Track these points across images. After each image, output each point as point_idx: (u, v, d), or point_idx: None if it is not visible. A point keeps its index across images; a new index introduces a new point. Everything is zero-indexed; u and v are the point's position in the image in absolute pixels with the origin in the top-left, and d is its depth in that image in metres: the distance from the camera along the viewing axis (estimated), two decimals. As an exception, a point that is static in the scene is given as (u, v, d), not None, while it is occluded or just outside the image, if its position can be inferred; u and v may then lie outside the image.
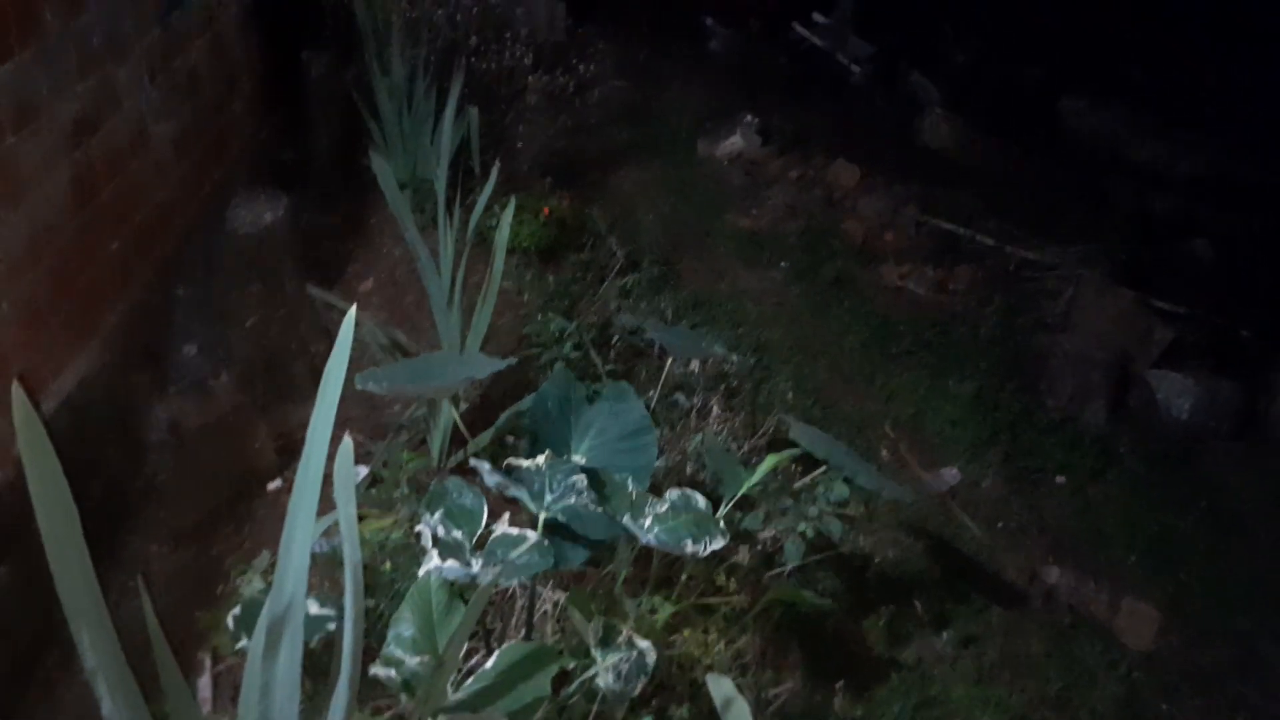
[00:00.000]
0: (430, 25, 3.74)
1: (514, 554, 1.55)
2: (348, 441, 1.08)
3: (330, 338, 1.11)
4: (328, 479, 1.09)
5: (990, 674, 2.70)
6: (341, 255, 3.47)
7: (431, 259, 2.55)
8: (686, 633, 2.11)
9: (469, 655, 1.83)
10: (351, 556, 1.09)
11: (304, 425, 1.12)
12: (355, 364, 2.40)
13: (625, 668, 1.58)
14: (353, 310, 1.11)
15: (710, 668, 1.97)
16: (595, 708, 1.69)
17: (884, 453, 3.40)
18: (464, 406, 2.69)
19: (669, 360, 2.62)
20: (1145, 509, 3.54)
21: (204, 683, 1.98)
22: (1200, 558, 3.40)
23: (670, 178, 4.50)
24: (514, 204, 2.52)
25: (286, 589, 1.13)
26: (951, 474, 3.38)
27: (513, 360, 2.05)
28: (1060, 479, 3.55)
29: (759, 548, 2.54)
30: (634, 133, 4.70)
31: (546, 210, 3.53)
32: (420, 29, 3.62)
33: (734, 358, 3.17)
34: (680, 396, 3.03)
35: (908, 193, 4.78)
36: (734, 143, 4.80)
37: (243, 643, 1.61)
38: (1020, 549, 3.20)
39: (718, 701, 1.71)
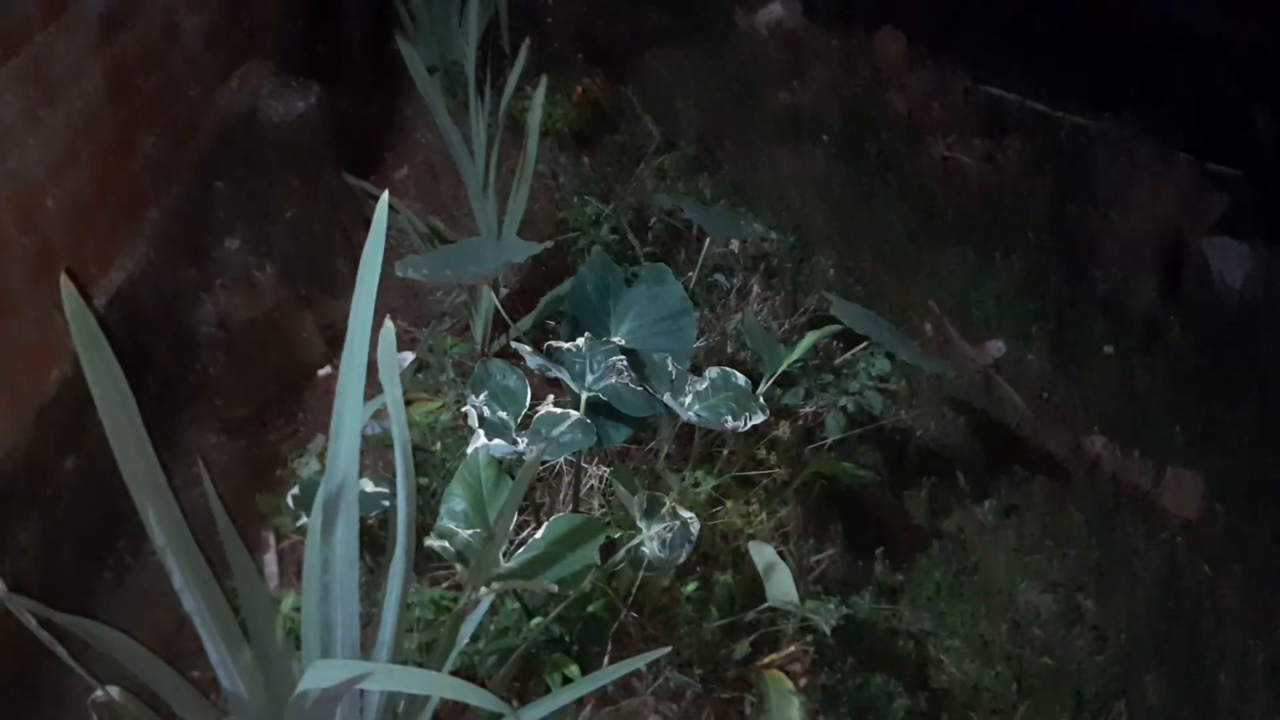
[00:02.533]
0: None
1: (557, 431, 1.58)
2: (389, 326, 1.10)
3: (370, 227, 1.12)
4: (374, 365, 1.12)
5: (1031, 543, 2.74)
6: (376, 144, 3.45)
7: (465, 144, 2.53)
8: (729, 505, 2.16)
9: (520, 528, 1.90)
10: (400, 435, 1.13)
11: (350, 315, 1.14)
12: (395, 252, 2.43)
13: (670, 536, 1.63)
14: (385, 196, 1.12)
15: (753, 537, 2.02)
16: (641, 574, 1.75)
17: (927, 328, 3.38)
18: (504, 292, 2.71)
19: (707, 241, 2.59)
20: (1193, 384, 3.49)
21: (269, 559, 2.09)
22: (1247, 433, 3.37)
23: (707, 53, 4.35)
24: (545, 84, 2.47)
25: (339, 468, 1.17)
26: (996, 347, 3.36)
27: (549, 244, 2.05)
28: (1109, 349, 3.51)
29: (800, 423, 2.56)
30: (668, 8, 4.54)
31: (580, 90, 3.46)
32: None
33: (774, 235, 3.13)
34: (720, 277, 3.02)
35: (955, 60, 4.59)
36: (773, 10, 4.61)
37: (302, 521, 1.68)
38: (1064, 422, 3.19)
39: (760, 567, 1.77)
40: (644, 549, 1.63)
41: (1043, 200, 4.06)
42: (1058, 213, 4.02)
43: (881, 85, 4.50)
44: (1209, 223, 4.03)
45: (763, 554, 1.82)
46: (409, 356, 2.44)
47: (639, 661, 1.27)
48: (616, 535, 1.79)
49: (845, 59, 4.56)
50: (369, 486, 1.68)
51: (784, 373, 2.14)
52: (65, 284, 0.98)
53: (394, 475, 1.19)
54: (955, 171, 4.17)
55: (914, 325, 3.36)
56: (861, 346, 2.51)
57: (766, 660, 1.92)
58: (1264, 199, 4.19)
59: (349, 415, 1.16)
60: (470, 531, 1.49)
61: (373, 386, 1.13)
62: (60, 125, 1.96)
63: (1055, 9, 5.03)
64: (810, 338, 2.16)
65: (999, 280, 3.62)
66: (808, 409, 2.57)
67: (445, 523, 1.51)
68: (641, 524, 1.66)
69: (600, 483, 2.14)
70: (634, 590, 1.82)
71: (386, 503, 1.60)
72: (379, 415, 1.31)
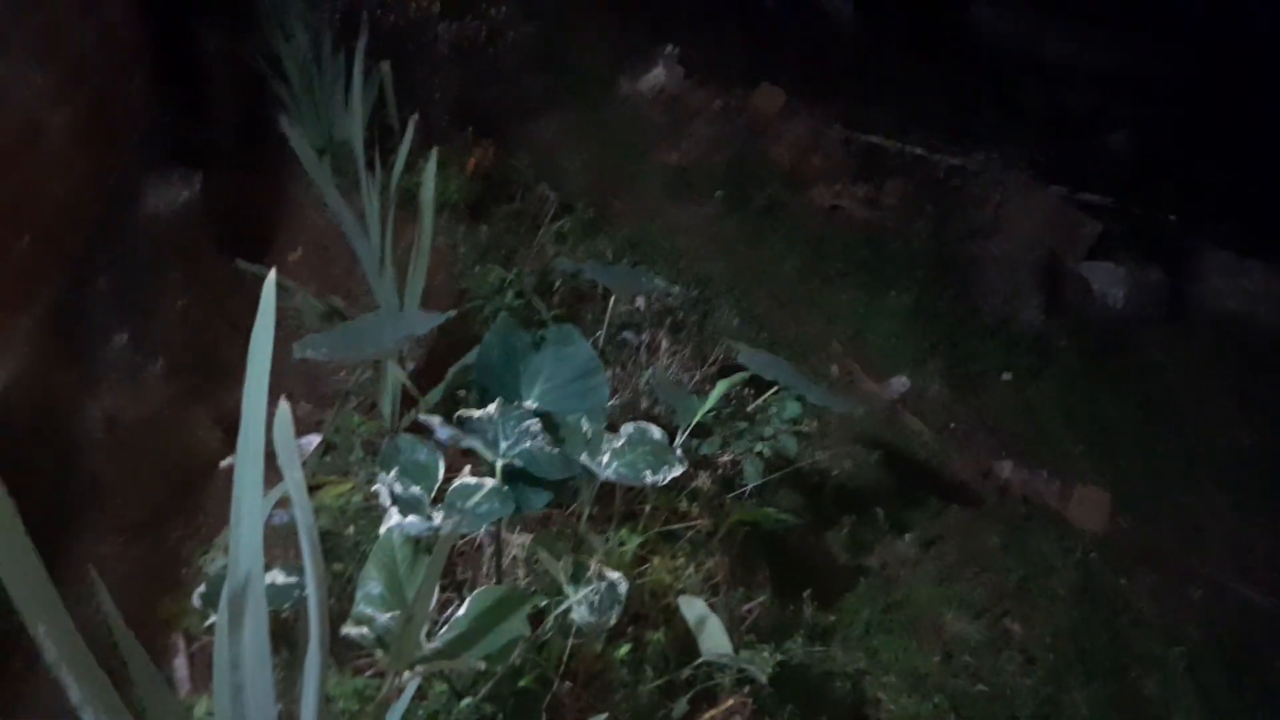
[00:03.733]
0: (328, -17, 3.61)
1: (473, 502, 1.54)
2: (284, 407, 1.06)
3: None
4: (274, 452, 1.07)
5: (952, 572, 2.79)
6: (265, 228, 3.38)
7: (358, 222, 2.49)
8: (656, 561, 2.14)
9: (444, 606, 1.84)
10: (304, 520, 1.08)
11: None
12: (293, 335, 2.36)
13: (598, 599, 1.60)
14: (272, 273, 1.09)
15: (682, 591, 2.00)
16: (572, 642, 1.71)
17: (833, 369, 3.45)
18: (410, 367, 2.66)
19: (613, 300, 2.60)
20: (1086, 400, 3.65)
21: (180, 663, 1.96)
22: (1142, 442, 3.53)
23: (594, 119, 4.44)
24: (435, 157, 2.47)
25: (243, 561, 1.11)
26: (901, 383, 3.45)
27: (452, 314, 2.02)
28: (1006, 376, 3.64)
29: (718, 472, 2.57)
30: (552, 76, 4.62)
31: (472, 162, 3.47)
32: (320, -12, 3.49)
33: (676, 289, 3.17)
34: (628, 334, 3.03)
35: (831, 112, 4.78)
36: (656, 76, 4.74)
37: (211, 620, 1.59)
38: (972, 449, 3.29)
39: (691, 621, 1.74)
40: (573, 615, 1.59)
41: (926, 237, 4.23)
42: (941, 248, 4.19)
43: (764, 139, 4.65)
44: (1083, 247, 4.25)
45: (693, 608, 1.80)
46: (314, 439, 2.36)
47: (576, 732, 1.23)
48: (543, 604, 1.75)
49: (726, 117, 4.71)
50: (280, 578, 1.60)
51: (699, 423, 2.14)
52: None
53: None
54: (841, 216, 4.32)
55: (819, 366, 3.43)
56: (772, 392, 2.54)
57: (706, 717, 1.89)
58: (1134, 223, 4.45)
59: (248, 504, 1.10)
60: (389, 615, 1.43)
61: (275, 473, 1.08)
62: (-80, 230, 1.86)
63: (912, 50, 5.30)
64: (721, 387, 2.18)
65: (893, 316, 3.74)
66: (725, 457, 2.58)
67: (362, 608, 1.45)
68: (568, 589, 1.62)
69: (523, 551, 2.09)
70: (565, 659, 1.77)
71: (299, 593, 1.53)
72: (284, 503, 1.26)
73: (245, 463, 1.10)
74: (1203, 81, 5.28)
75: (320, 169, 2.51)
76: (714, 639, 1.76)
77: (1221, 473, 3.46)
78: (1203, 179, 4.71)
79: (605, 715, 1.32)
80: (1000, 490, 3.16)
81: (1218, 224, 4.47)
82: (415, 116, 2.66)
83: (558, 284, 3.12)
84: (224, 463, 2.45)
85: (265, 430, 1.10)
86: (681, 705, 1.88)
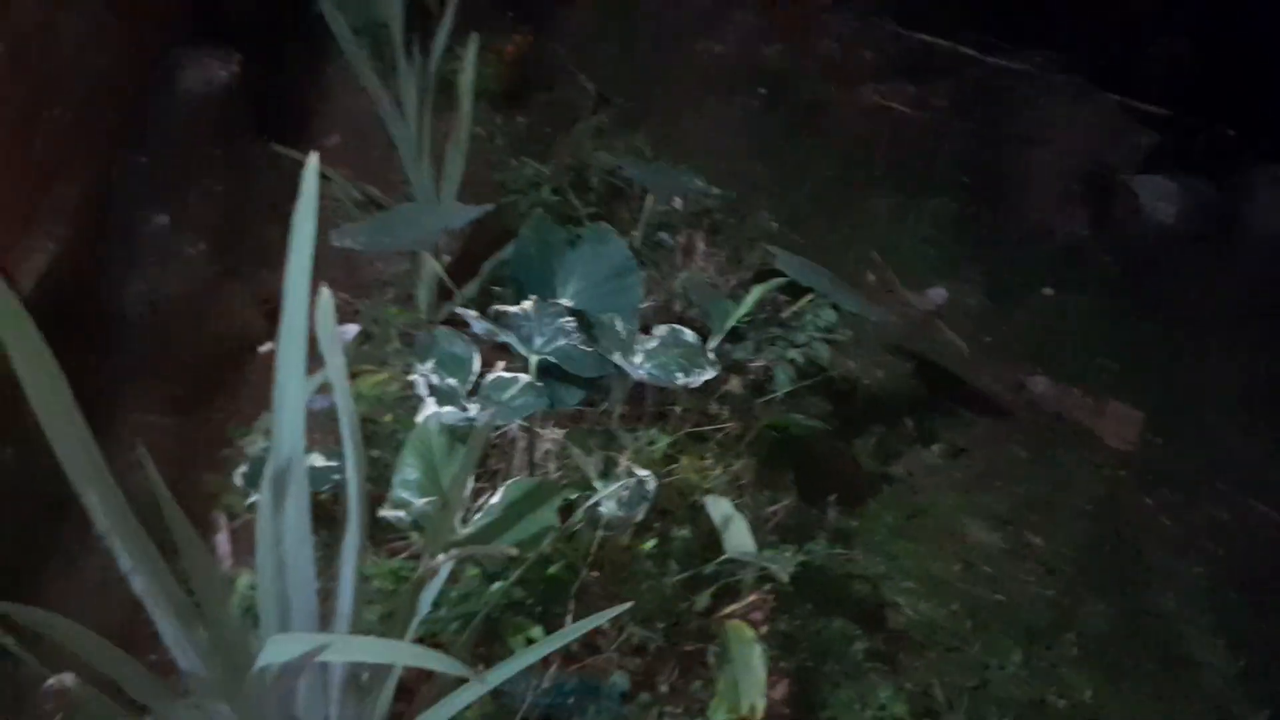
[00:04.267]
0: None
1: (508, 395, 1.57)
2: (326, 294, 1.07)
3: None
4: (315, 337, 1.09)
5: (977, 482, 2.81)
6: (302, 111, 3.35)
7: (396, 107, 2.46)
8: (684, 461, 2.17)
9: (476, 495, 1.88)
10: (344, 404, 1.10)
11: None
12: (329, 222, 2.37)
13: (627, 495, 1.63)
14: (314, 157, 1.08)
15: (709, 491, 2.03)
16: (600, 534, 1.75)
17: (870, 277, 3.41)
18: (446, 259, 2.66)
19: (649, 199, 2.57)
20: (1126, 317, 3.59)
21: (222, 539, 2.04)
22: (1178, 362, 3.48)
23: (635, 6, 4.29)
24: (476, 42, 2.41)
25: (285, 442, 1.14)
26: (939, 294, 3.41)
27: (490, 207, 2.01)
28: (1047, 290, 3.58)
29: (750, 377, 2.57)
30: (596, -39, 4.47)
31: (511, 49, 3.39)
32: None
33: (715, 191, 3.12)
34: (664, 235, 3.00)
35: (883, 4, 4.59)
36: (701, -36, 4.56)
37: (253, 499, 1.65)
38: (1005, 362, 3.26)
39: (717, 520, 1.78)
40: (601, 509, 1.63)
41: (973, 142, 4.10)
42: (989, 154, 4.07)
43: (811, 32, 4.48)
44: (1136, 160, 4.12)
45: (719, 507, 1.83)
46: (353, 329, 2.39)
47: (601, 618, 1.27)
48: (574, 497, 1.79)
49: (772, 5, 4.53)
50: (319, 461, 1.65)
51: (732, 328, 2.14)
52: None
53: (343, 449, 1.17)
54: (886, 116, 4.19)
55: (856, 274, 3.39)
56: (807, 299, 2.52)
57: (727, 611, 1.94)
58: (1190, 136, 4.28)
59: (291, 387, 1.13)
60: (425, 500, 1.47)
61: (315, 360, 1.10)
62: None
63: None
64: (756, 292, 2.17)
65: (934, 223, 3.67)
66: (757, 363, 2.58)
67: (399, 493, 1.49)
68: (598, 484, 1.66)
69: (555, 446, 2.12)
70: (593, 550, 1.82)
71: (338, 476, 1.57)
72: (324, 389, 1.28)
73: (288, 347, 1.12)
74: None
75: (358, 51, 2.47)
76: (738, 538, 1.80)
77: (1258, 397, 3.41)
78: (1266, 93, 4.50)
79: (630, 603, 1.37)
80: (1031, 405, 3.14)
81: (1274, 139, 4.29)
82: None
83: (594, 180, 3.08)
84: (264, 348, 2.49)
85: (307, 317, 1.11)
86: (704, 598, 1.94)
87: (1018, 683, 2.30)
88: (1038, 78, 4.43)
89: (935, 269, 3.51)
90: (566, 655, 1.77)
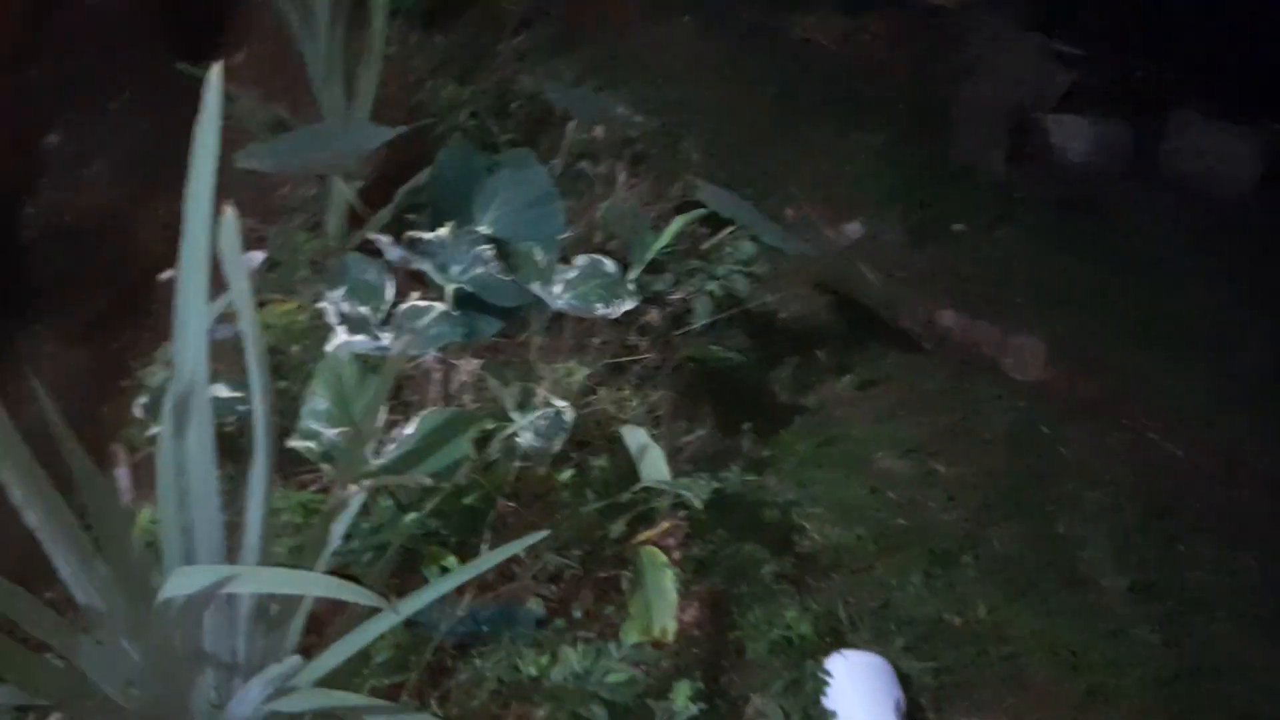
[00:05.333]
0: None
1: (422, 324, 1.55)
2: (230, 214, 1.03)
3: (203, 111, 1.04)
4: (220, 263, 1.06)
5: (888, 412, 2.89)
6: (207, 26, 3.18)
7: (306, 23, 2.36)
8: (602, 392, 2.18)
9: (390, 427, 1.87)
10: (250, 330, 1.08)
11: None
12: (237, 144, 2.27)
13: (544, 426, 1.64)
14: (216, 70, 1.03)
15: (626, 422, 2.05)
16: (518, 465, 1.76)
17: (790, 211, 3.44)
18: (358, 184, 2.59)
19: (571, 125, 2.53)
20: (1038, 252, 3.70)
21: (122, 474, 1.99)
22: (1089, 296, 3.60)
23: (563, -75, 4.16)
24: (390, -45, 2.31)
25: (187, 369, 1.11)
26: (854, 228, 3.46)
27: (403, 129, 1.95)
28: (958, 227, 3.66)
29: (669, 309, 2.58)
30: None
31: (429, -35, 3.26)
32: None
33: (639, 119, 3.08)
34: (585, 164, 2.96)
35: (818, -66, 4.54)
36: (629, -117, 4.43)
37: (154, 430, 1.61)
38: (918, 297, 3.34)
39: (633, 449, 1.80)
40: (519, 439, 1.63)
41: (903, 77, 4.13)
42: (916, 90, 4.10)
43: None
44: (1053, 98, 4.20)
45: (635, 437, 1.85)
46: (259, 256, 2.31)
47: (517, 546, 1.28)
48: (490, 428, 1.79)
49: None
50: (224, 392, 1.61)
51: (653, 259, 2.14)
52: None
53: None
54: (818, 50, 4.18)
55: (777, 208, 3.41)
56: (728, 231, 2.53)
57: (642, 537, 1.98)
58: (1104, 77, 4.37)
59: (193, 313, 1.09)
60: (335, 431, 1.45)
61: (220, 287, 1.07)
62: None
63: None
64: (678, 223, 2.17)
65: (859, 158, 3.70)
66: (676, 295, 2.59)
67: (308, 423, 1.47)
68: (515, 415, 1.66)
69: (471, 377, 2.11)
70: (510, 480, 1.83)
71: (244, 408, 1.54)
72: (228, 317, 1.25)
73: (189, 271, 1.09)
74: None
75: (265, -37, 2.35)
76: (654, 466, 1.82)
77: (1163, 332, 3.56)
78: (1179, 37, 4.61)
79: (546, 532, 1.38)
80: (941, 339, 3.23)
81: (1187, 84, 4.41)
82: (367, -90, 2.47)
83: (515, 105, 3.01)
84: (165, 274, 2.40)
85: (209, 239, 1.08)
86: (620, 526, 1.97)
87: (918, 602, 2.41)
88: (966, 17, 4.46)
89: (855, 205, 3.55)
90: (482, 584, 1.79)
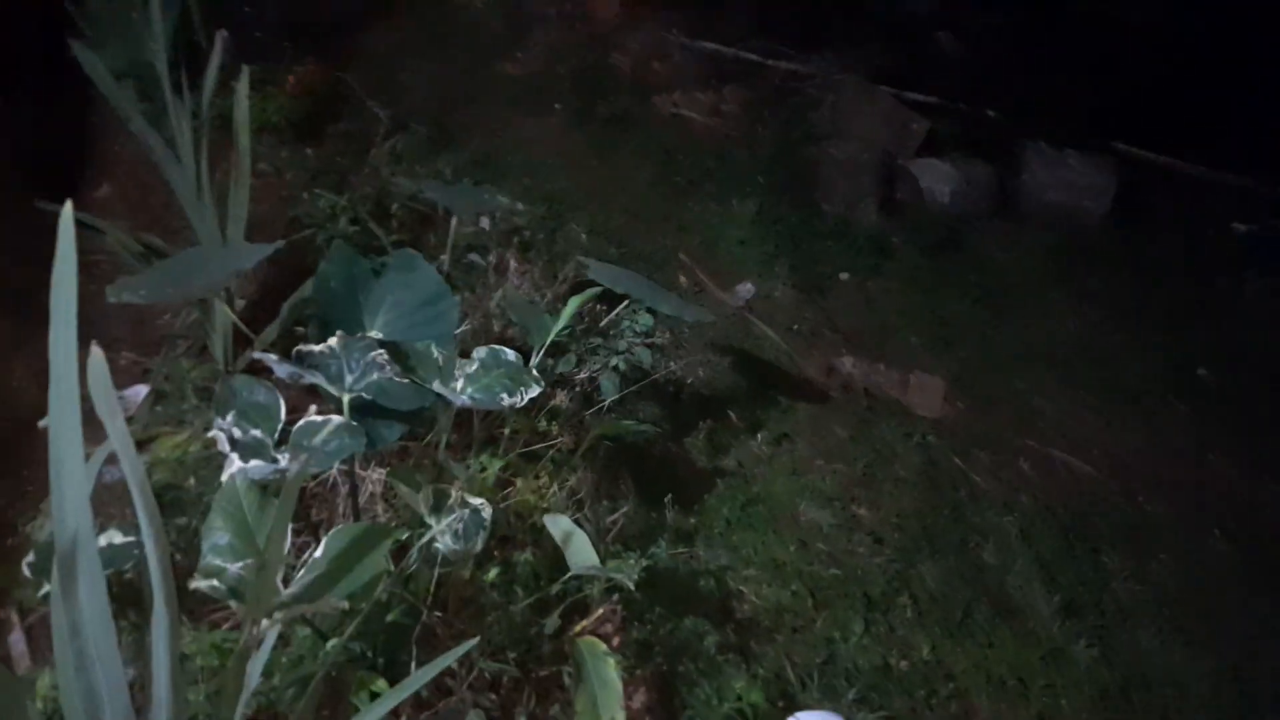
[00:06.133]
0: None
1: (320, 440, 1.49)
2: (96, 353, 0.98)
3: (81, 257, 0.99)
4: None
5: (805, 464, 2.92)
6: (69, 162, 3.09)
7: (169, 149, 2.31)
8: (519, 483, 2.14)
9: (300, 551, 1.79)
10: (133, 471, 1.01)
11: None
12: (110, 277, 2.18)
13: (462, 527, 1.58)
14: (68, 209, 0.99)
15: (547, 510, 2.01)
16: (439, 571, 1.70)
17: (682, 279, 3.49)
18: (242, 304, 2.52)
19: (455, 221, 2.52)
20: (921, 293, 3.84)
21: (16, 639, 1.85)
22: (976, 331, 3.75)
23: (427, 30, 4.23)
24: (247, 75, 2.29)
25: (69, 522, 1.04)
26: (746, 289, 3.52)
27: (281, 244, 1.90)
28: (844, 275, 3.78)
29: (576, 389, 2.57)
30: (376, -18, 4.36)
31: (292, 79, 3.25)
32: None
33: (520, 207, 3.10)
34: (475, 256, 2.96)
35: (671, 19, 4.72)
36: (485, -17, 4.55)
37: (45, 589, 1.49)
38: (817, 347, 3.41)
39: (558, 537, 1.76)
40: (437, 545, 1.57)
41: (767, 143, 4.29)
42: (782, 152, 4.26)
43: (605, 46, 4.56)
44: (913, 145, 4.41)
45: (559, 524, 1.81)
46: (143, 389, 2.22)
47: (448, 659, 1.22)
48: (405, 536, 1.72)
49: (565, 24, 4.59)
50: (117, 538, 1.51)
51: (553, 342, 2.12)
52: None
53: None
54: (686, 124, 4.31)
55: (669, 276, 3.46)
56: (624, 305, 2.54)
57: (578, 629, 1.93)
58: (959, 121, 4.63)
59: (69, 462, 1.02)
60: (240, 564, 1.37)
61: (100, 427, 1.01)
62: None
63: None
64: (573, 303, 2.16)
65: (739, 222, 3.80)
66: (582, 374, 2.59)
67: (210, 559, 1.38)
68: (431, 520, 1.60)
69: (380, 486, 2.04)
70: (434, 589, 1.76)
71: (139, 551, 1.44)
72: (114, 459, 1.18)
73: (60, 418, 1.02)
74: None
75: (121, 94, 2.30)
76: (581, 552, 1.78)
77: (1052, 356, 3.72)
78: (1022, 76, 4.92)
79: (477, 639, 1.32)
80: (844, 385, 3.30)
81: (1037, 119, 4.70)
82: (223, 33, 2.46)
83: (396, 207, 3.00)
84: (42, 422, 2.27)
85: (77, 383, 1.02)
86: (553, 620, 1.91)
87: (862, 651, 2.40)
88: (819, 78, 4.67)
89: (743, 266, 3.63)
90: (417, 702, 1.70)
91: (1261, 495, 3.39)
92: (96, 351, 0.97)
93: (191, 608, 1.70)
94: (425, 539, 1.57)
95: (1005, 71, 5.00)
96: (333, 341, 1.67)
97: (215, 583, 1.33)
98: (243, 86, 2.22)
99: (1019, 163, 4.54)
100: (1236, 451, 3.52)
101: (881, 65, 4.73)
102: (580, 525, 1.85)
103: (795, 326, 3.46)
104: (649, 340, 2.61)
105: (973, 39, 5.30)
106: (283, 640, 1.58)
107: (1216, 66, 5.03)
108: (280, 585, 1.35)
